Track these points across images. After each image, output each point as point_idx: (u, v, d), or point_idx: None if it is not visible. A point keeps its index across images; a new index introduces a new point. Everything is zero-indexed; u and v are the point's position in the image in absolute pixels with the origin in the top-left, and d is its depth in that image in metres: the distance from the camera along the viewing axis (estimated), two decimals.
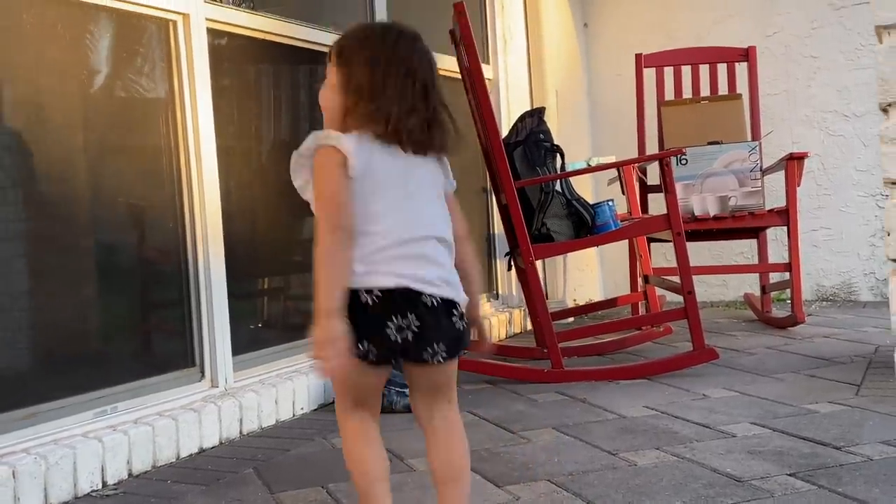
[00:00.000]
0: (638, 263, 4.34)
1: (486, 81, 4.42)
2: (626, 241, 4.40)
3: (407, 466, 2.24)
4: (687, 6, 5.37)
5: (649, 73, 4.75)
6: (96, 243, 2.55)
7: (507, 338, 4.38)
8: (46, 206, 2.38)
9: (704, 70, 4.71)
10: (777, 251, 4.75)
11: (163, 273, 2.74)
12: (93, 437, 2.24)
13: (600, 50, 5.55)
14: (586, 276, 5.25)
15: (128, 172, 2.64)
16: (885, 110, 1.10)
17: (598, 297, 5.22)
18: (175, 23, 2.71)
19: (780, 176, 4.17)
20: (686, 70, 4.74)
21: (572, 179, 3.61)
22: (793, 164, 4.06)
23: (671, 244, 3.29)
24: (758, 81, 4.69)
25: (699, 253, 4.78)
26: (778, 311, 4.41)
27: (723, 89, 4.68)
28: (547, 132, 3.53)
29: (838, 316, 4.43)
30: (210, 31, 2.79)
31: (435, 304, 1.48)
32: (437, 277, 1.50)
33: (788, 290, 4.15)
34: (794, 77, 5.08)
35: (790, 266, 4.07)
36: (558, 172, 3.52)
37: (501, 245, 4.32)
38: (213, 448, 2.55)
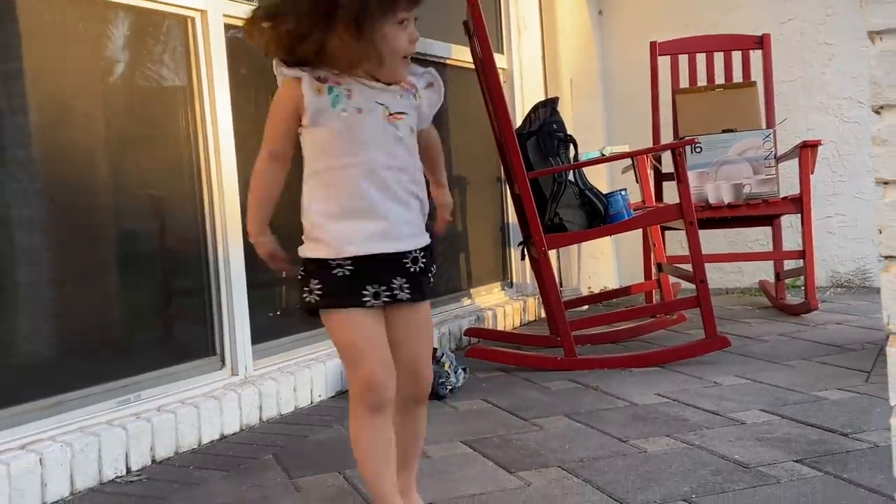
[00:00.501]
0: (652, 252, 4.36)
1: (501, 72, 4.46)
2: (641, 229, 4.42)
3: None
4: None
5: (664, 61, 4.75)
6: (119, 234, 2.61)
7: (521, 326, 4.43)
8: (71, 197, 2.44)
9: (719, 57, 4.71)
10: (792, 238, 4.76)
11: (183, 263, 2.80)
12: (117, 425, 2.30)
13: (615, 38, 5.55)
14: (601, 263, 5.27)
15: (149, 165, 2.70)
16: (877, 112, 1.13)
17: (613, 284, 5.24)
18: (193, 19, 2.76)
19: (794, 163, 4.18)
20: (700, 58, 4.74)
21: (586, 168, 3.63)
22: (806, 151, 4.07)
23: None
24: (772, 68, 4.69)
25: (714, 240, 4.80)
26: (792, 298, 4.42)
27: (737, 77, 4.69)
28: (560, 122, 3.54)
29: (852, 302, 4.44)
30: (227, 27, 2.84)
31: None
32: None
33: (802, 277, 4.17)
34: (808, 64, 5.07)
35: (804, 253, 4.09)
36: (571, 163, 3.55)
37: (515, 234, 4.35)
38: (233, 434, 2.61)
